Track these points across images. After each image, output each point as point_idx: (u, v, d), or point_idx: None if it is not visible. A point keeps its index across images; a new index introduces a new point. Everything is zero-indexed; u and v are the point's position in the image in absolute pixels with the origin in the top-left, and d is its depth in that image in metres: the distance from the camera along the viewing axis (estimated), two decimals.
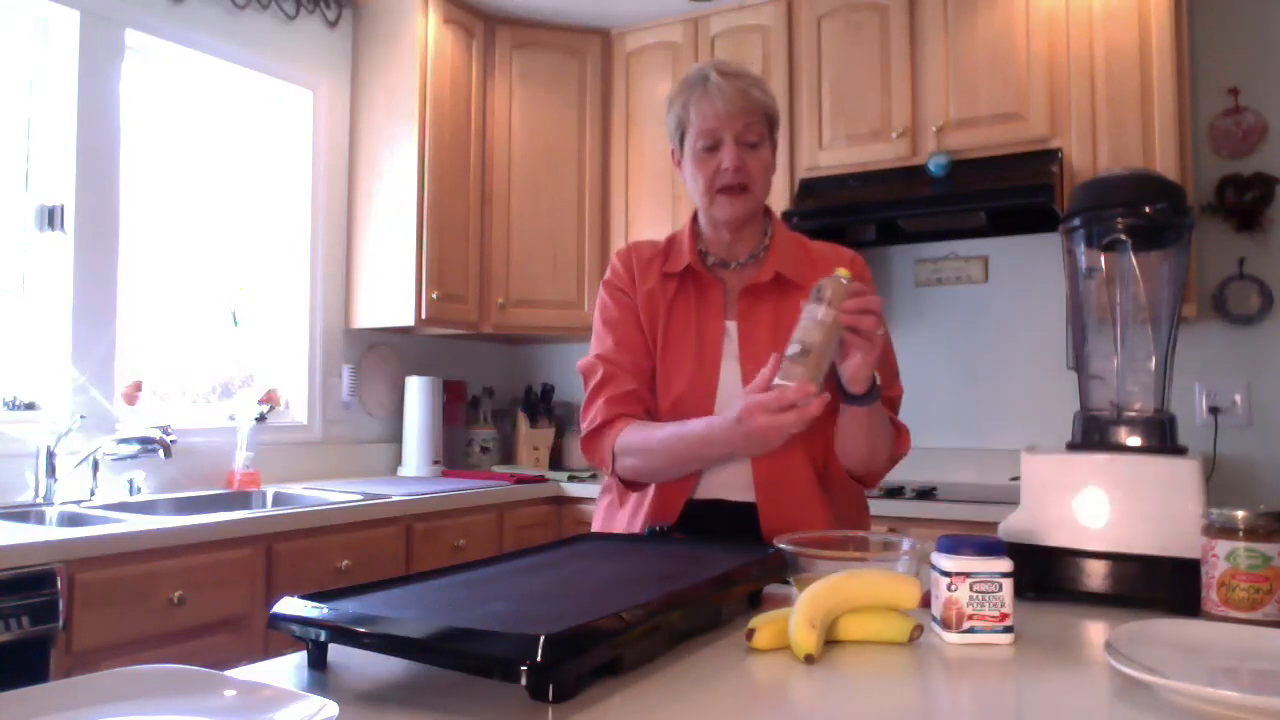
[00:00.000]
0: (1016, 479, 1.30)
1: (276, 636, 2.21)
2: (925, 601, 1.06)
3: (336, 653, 0.94)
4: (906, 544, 1.23)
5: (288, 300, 3.28)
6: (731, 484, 1.51)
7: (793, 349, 1.28)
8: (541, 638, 0.76)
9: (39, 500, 2.41)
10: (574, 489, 3.24)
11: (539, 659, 0.75)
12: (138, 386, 2.76)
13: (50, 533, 1.99)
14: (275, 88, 3.24)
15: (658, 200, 3.50)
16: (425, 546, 2.72)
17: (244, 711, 0.77)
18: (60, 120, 2.60)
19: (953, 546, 1.04)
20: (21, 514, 2.30)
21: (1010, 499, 1.45)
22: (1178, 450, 1.26)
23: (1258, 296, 2.87)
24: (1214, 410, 2.90)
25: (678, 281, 1.59)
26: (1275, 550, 1.04)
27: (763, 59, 3.30)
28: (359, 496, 2.69)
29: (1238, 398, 2.89)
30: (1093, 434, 1.30)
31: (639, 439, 1.49)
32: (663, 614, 0.93)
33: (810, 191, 3.15)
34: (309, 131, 3.32)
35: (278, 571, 2.31)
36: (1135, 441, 1.27)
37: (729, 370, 1.53)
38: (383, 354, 3.55)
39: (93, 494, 2.50)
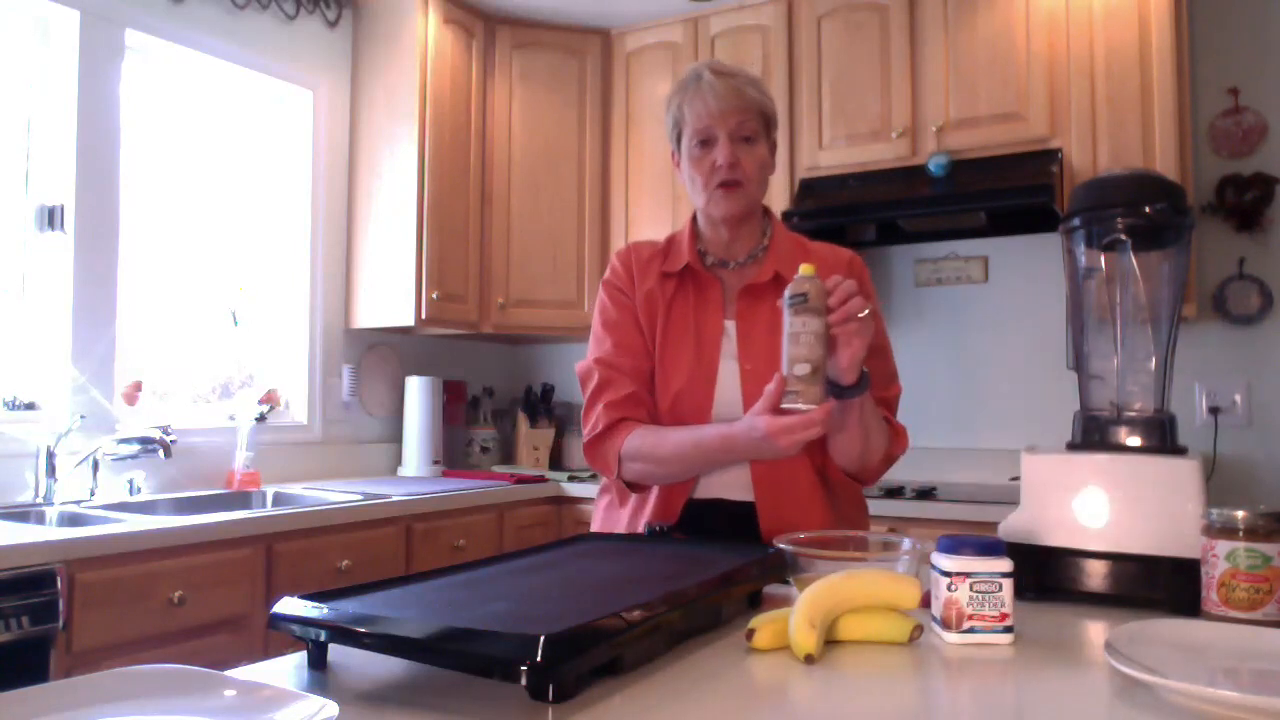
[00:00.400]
0: (1016, 479, 1.30)
1: (276, 636, 2.21)
2: (925, 601, 1.06)
3: (336, 653, 0.94)
4: (906, 544, 1.23)
5: (288, 300, 3.28)
6: (731, 484, 1.52)
7: (801, 369, 1.27)
8: (541, 638, 0.76)
9: (39, 500, 2.41)
10: (574, 489, 3.24)
11: (539, 659, 0.75)
12: (138, 386, 2.76)
13: (50, 533, 1.99)
14: (275, 88, 3.24)
15: (658, 200, 3.50)
16: (425, 546, 2.72)
17: (244, 711, 0.77)
18: (60, 120, 2.61)
19: (953, 546, 1.04)
20: (21, 514, 2.30)
21: (1010, 499, 1.45)
22: (1178, 450, 1.26)
23: (1258, 296, 2.87)
24: (1214, 410, 2.90)
25: (676, 281, 1.59)
26: (1275, 550, 1.04)
27: (763, 59, 3.30)
28: (359, 496, 2.69)
29: (1238, 398, 2.89)
30: (1093, 434, 1.30)
31: (648, 445, 1.48)
32: (663, 614, 0.93)
33: (810, 191, 3.15)
34: (309, 131, 3.32)
35: (278, 571, 2.31)
36: (1135, 441, 1.27)
37: (727, 369, 1.53)
38: (383, 354, 3.55)
39: (93, 494, 2.50)
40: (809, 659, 0.95)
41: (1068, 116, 2.83)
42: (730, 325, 1.55)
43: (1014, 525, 1.26)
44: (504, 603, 0.96)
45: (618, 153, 3.61)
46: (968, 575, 1.02)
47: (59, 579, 1.86)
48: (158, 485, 2.74)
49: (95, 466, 2.51)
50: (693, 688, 0.87)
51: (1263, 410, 2.87)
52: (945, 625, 1.03)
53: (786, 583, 1.22)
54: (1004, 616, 1.02)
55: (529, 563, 1.19)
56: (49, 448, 2.42)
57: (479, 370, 3.95)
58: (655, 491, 1.54)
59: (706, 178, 1.52)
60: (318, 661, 0.93)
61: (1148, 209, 1.26)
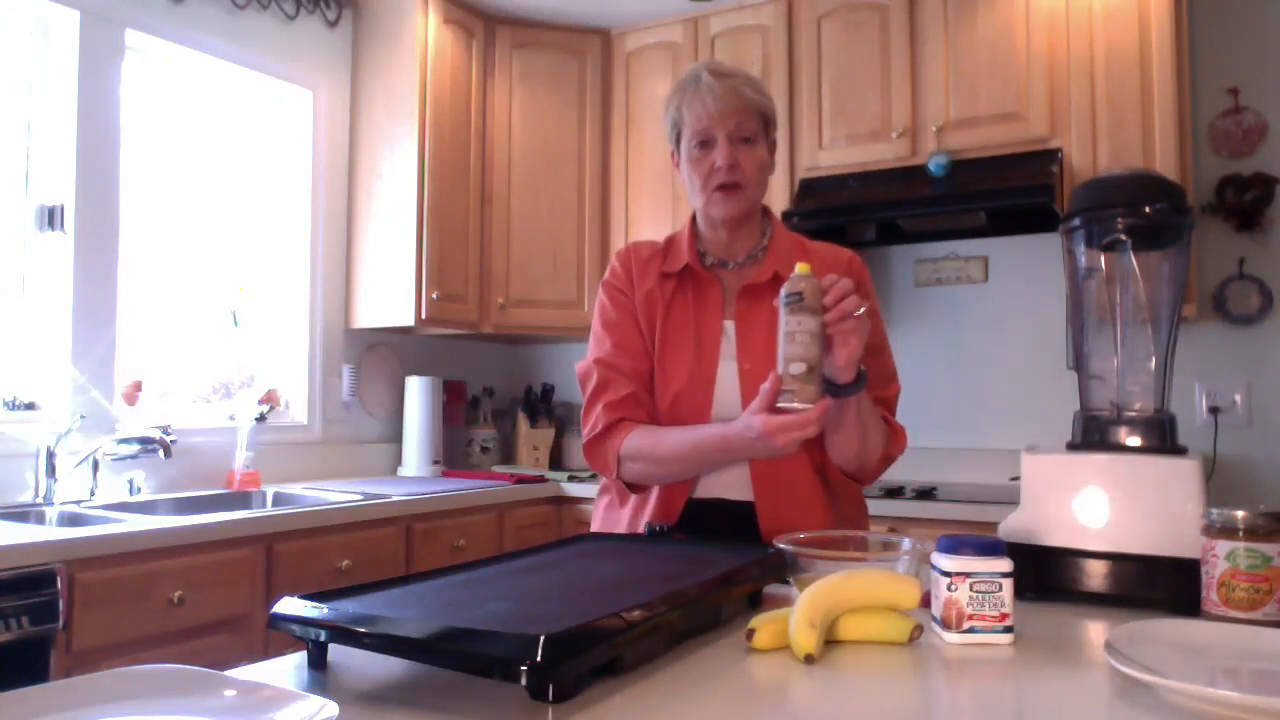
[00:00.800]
0: (1016, 479, 1.30)
1: (276, 636, 2.21)
2: (925, 601, 1.06)
3: (336, 653, 0.94)
4: (906, 544, 1.23)
5: (288, 300, 3.28)
6: (731, 483, 1.52)
7: (796, 368, 1.27)
8: (541, 638, 0.76)
9: (39, 500, 2.41)
10: (574, 489, 3.24)
11: (539, 659, 0.75)
12: (138, 386, 2.76)
13: (50, 533, 1.99)
14: (275, 88, 3.24)
15: (658, 200, 3.50)
16: (425, 546, 2.72)
17: (244, 711, 0.77)
18: (60, 120, 2.61)
19: (953, 546, 1.04)
20: (21, 514, 2.30)
21: (1010, 499, 1.45)
22: (1178, 450, 1.26)
23: (1258, 296, 2.87)
24: (1214, 410, 2.90)
25: (676, 281, 1.59)
26: (1275, 550, 1.04)
27: (763, 59, 3.30)
28: (359, 496, 2.69)
29: (1238, 398, 2.89)
30: (1093, 434, 1.30)
31: (647, 445, 1.48)
32: (663, 614, 0.93)
33: (810, 191, 3.15)
34: (309, 131, 3.32)
35: (278, 571, 2.31)
36: (1135, 441, 1.27)
37: (727, 369, 1.53)
38: (383, 354, 3.55)
39: (93, 494, 2.50)
40: (809, 659, 0.95)
41: (1068, 116, 2.83)
42: (729, 325, 1.55)
43: (1014, 525, 1.26)
44: (504, 603, 0.96)
45: (618, 153, 3.61)
46: (968, 575, 1.02)
47: (59, 579, 1.86)
48: (158, 485, 2.74)
49: (95, 466, 2.51)
50: (693, 688, 0.87)
51: (1263, 410, 2.87)
52: (945, 625, 1.03)
53: (786, 583, 1.22)
54: (1004, 616, 1.02)
55: (529, 563, 1.19)
56: (49, 448, 2.42)
57: (479, 370, 3.95)
58: (655, 491, 1.54)
59: (705, 179, 1.52)
60: (318, 661, 0.93)
61: (1148, 209, 1.26)
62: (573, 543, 1.36)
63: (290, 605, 0.92)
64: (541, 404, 3.84)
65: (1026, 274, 3.18)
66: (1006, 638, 1.02)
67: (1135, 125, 2.73)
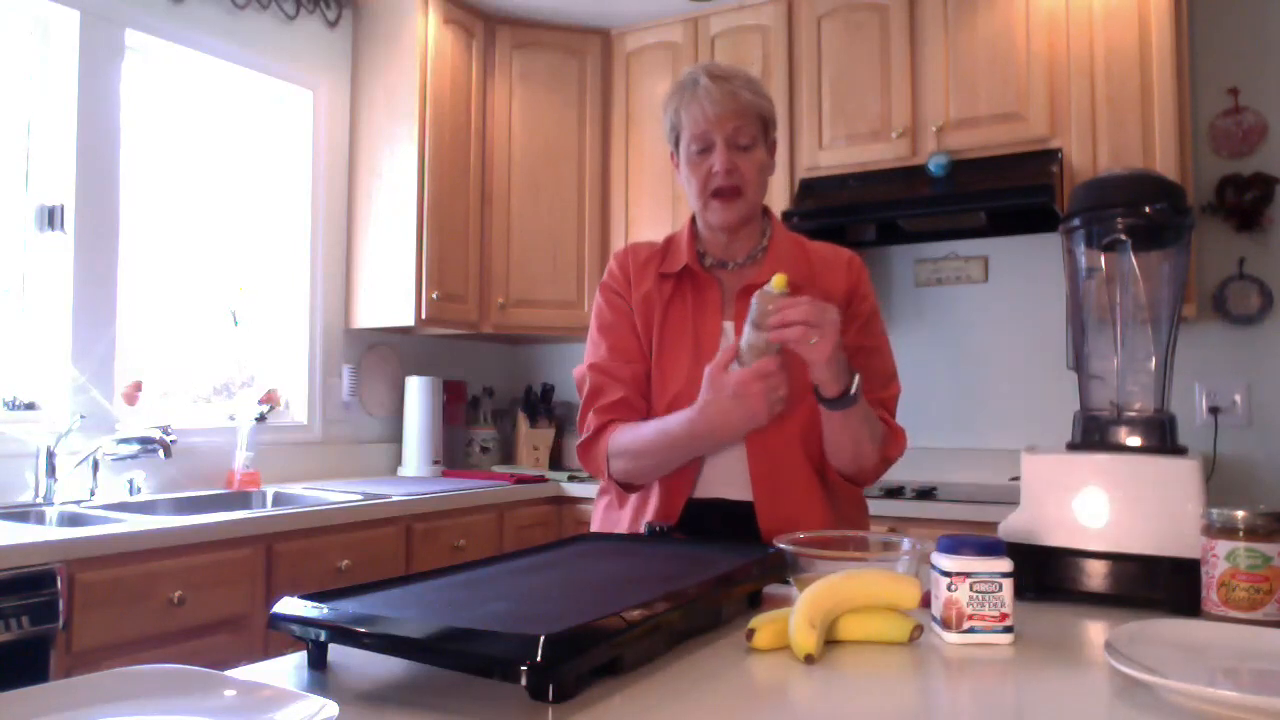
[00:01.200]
0: (1016, 479, 1.30)
1: (276, 636, 2.21)
2: (925, 601, 1.06)
3: (336, 653, 0.94)
4: (906, 544, 1.23)
5: (288, 300, 3.28)
6: (731, 482, 1.51)
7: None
8: (541, 638, 0.76)
9: (39, 500, 2.41)
10: (574, 489, 3.24)
11: (539, 659, 0.75)
12: (138, 386, 2.76)
13: (50, 533, 1.99)
14: (275, 88, 3.24)
15: (658, 200, 3.50)
16: (425, 546, 2.72)
17: (244, 711, 0.77)
18: (60, 120, 2.60)
19: (953, 546, 1.04)
20: (21, 514, 2.30)
21: (1010, 499, 1.45)
22: (1178, 450, 1.26)
23: (1258, 296, 2.87)
24: (1214, 410, 2.90)
25: (674, 282, 1.58)
26: (1275, 550, 1.04)
27: (763, 59, 3.30)
28: (359, 496, 2.69)
29: (1238, 398, 2.89)
30: (1093, 434, 1.30)
31: (626, 440, 1.49)
32: (663, 614, 0.92)
33: (810, 191, 3.15)
34: (309, 131, 3.32)
35: (278, 571, 2.31)
36: (1135, 441, 1.27)
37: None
38: (383, 354, 3.55)
39: (93, 494, 2.50)
40: (809, 659, 0.95)
41: (1068, 116, 2.83)
42: (729, 326, 1.55)
43: (1014, 525, 1.26)
44: (504, 603, 0.96)
45: (618, 153, 3.61)
46: (968, 575, 1.02)
47: (59, 579, 1.86)
48: (158, 485, 2.74)
49: (95, 466, 2.51)
50: (693, 688, 0.87)
51: (1263, 410, 2.87)
52: (945, 625, 1.03)
53: (786, 583, 1.22)
54: (1004, 616, 1.02)
55: (529, 563, 1.19)
56: (49, 448, 2.42)
57: (479, 370, 3.95)
58: (655, 492, 1.54)
59: (703, 184, 1.52)
60: (318, 661, 0.93)
61: (1148, 209, 1.26)
62: (573, 543, 1.36)
63: (290, 605, 0.92)
64: (541, 404, 3.84)
65: (1026, 274, 3.18)
66: (1006, 638, 1.02)
67: (1135, 125, 2.73)
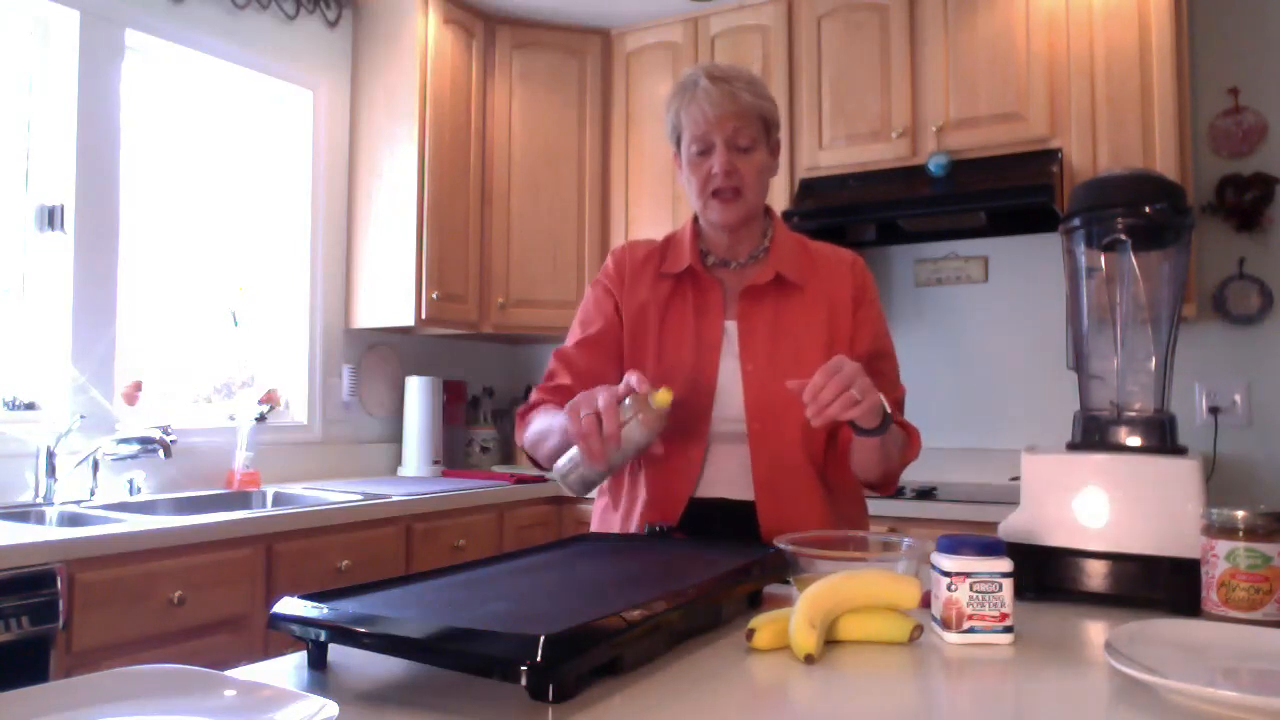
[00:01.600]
0: (1016, 479, 1.30)
1: (276, 636, 2.21)
2: (925, 601, 1.06)
3: (336, 653, 0.94)
4: (906, 544, 1.23)
5: (288, 300, 3.28)
6: (733, 482, 1.51)
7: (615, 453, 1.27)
8: (541, 638, 0.76)
9: (39, 500, 2.41)
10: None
11: (539, 659, 0.75)
12: (138, 386, 2.76)
13: (50, 533, 1.99)
14: (275, 88, 3.24)
15: (658, 200, 3.50)
16: (425, 546, 2.72)
17: (244, 711, 0.77)
18: (60, 120, 2.60)
19: (953, 546, 1.04)
20: (21, 514, 2.30)
21: (1010, 499, 1.45)
22: (1178, 450, 1.26)
23: (1258, 296, 2.87)
24: (1214, 410, 2.90)
25: (674, 282, 1.58)
26: (1275, 550, 1.04)
27: (763, 59, 3.30)
28: (359, 496, 2.69)
29: (1238, 398, 2.89)
30: (1093, 434, 1.30)
31: (539, 425, 1.51)
32: (663, 614, 0.92)
33: (810, 191, 3.15)
34: (309, 131, 3.32)
35: (278, 571, 2.31)
36: (1135, 441, 1.27)
37: (729, 371, 1.52)
38: (383, 354, 3.55)
39: (93, 494, 2.50)
40: (809, 659, 0.95)
41: (1068, 116, 2.83)
42: (731, 326, 1.54)
43: (1014, 525, 1.26)
44: (504, 603, 0.96)
45: (618, 153, 3.61)
46: (968, 575, 1.02)
47: (59, 579, 1.86)
48: (158, 485, 2.74)
49: (95, 466, 2.51)
50: (693, 688, 0.87)
51: (1263, 410, 2.87)
52: (945, 625, 1.03)
53: (786, 583, 1.22)
54: (1004, 616, 1.02)
55: (529, 563, 1.19)
56: (49, 448, 2.42)
57: (479, 370, 3.95)
58: (653, 492, 1.53)
59: (703, 185, 1.51)
60: (318, 661, 0.93)
61: (1148, 209, 1.26)
62: (573, 543, 1.36)
63: (290, 605, 0.92)
64: None
65: (1026, 274, 3.18)
66: (1006, 638, 1.02)
67: (1135, 125, 2.73)
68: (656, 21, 3.53)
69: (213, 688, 0.81)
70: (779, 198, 3.17)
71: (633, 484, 1.58)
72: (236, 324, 3.13)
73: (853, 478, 1.55)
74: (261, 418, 3.01)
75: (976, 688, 0.91)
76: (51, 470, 2.42)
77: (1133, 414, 1.29)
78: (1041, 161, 2.81)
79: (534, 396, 1.60)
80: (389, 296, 3.30)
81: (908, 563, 1.18)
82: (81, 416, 2.51)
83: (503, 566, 1.16)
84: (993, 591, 1.02)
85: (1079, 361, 1.37)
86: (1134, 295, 1.32)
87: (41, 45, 2.62)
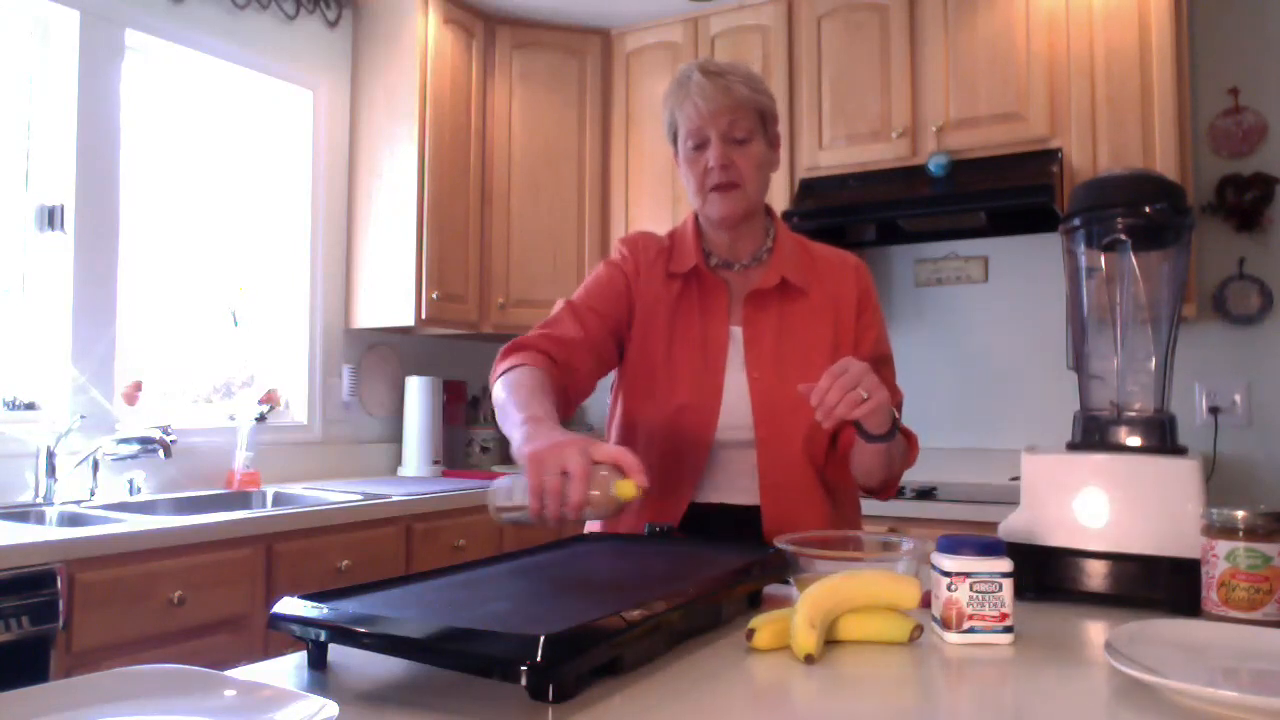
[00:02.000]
0: (1016, 479, 1.30)
1: (276, 636, 2.21)
2: (925, 601, 1.06)
3: (336, 653, 0.94)
4: (906, 544, 1.23)
5: (288, 300, 3.28)
6: (736, 488, 1.50)
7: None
8: (541, 638, 0.76)
9: (39, 500, 2.41)
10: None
11: (539, 659, 0.75)
12: (138, 386, 2.76)
13: (50, 533, 1.99)
14: (275, 88, 3.24)
15: (658, 200, 3.50)
16: (425, 546, 2.72)
17: (244, 711, 0.77)
18: (60, 120, 2.60)
19: (953, 546, 1.04)
20: (21, 514, 2.30)
21: (1010, 499, 1.45)
22: (1178, 450, 1.26)
23: (1258, 296, 2.87)
24: (1214, 410, 2.90)
25: (681, 283, 1.56)
26: (1275, 550, 1.04)
27: (763, 59, 3.30)
28: (359, 496, 2.69)
29: (1238, 398, 2.89)
30: (1093, 434, 1.30)
31: (509, 385, 1.37)
32: (663, 614, 0.92)
33: (810, 191, 3.15)
34: (309, 131, 3.32)
35: (278, 571, 2.31)
36: (1135, 441, 1.27)
37: (735, 379, 1.50)
38: (383, 354, 3.55)
39: (93, 494, 2.50)
40: (809, 659, 0.95)
41: (1068, 116, 2.83)
42: (737, 332, 1.53)
43: (1014, 525, 1.26)
44: (504, 603, 0.96)
45: (618, 153, 3.61)
46: (968, 575, 1.02)
47: (59, 579, 1.86)
48: (158, 485, 2.74)
49: (95, 466, 2.51)
50: (693, 688, 0.87)
51: (1263, 410, 2.87)
52: (945, 625, 1.03)
53: (786, 583, 1.22)
54: (1004, 616, 1.02)
55: (529, 563, 1.19)
56: (49, 448, 2.42)
57: (479, 370, 3.95)
58: (655, 495, 1.52)
59: (700, 180, 1.49)
60: (318, 661, 0.93)
61: (1148, 209, 1.26)
62: (573, 543, 1.36)
63: (290, 605, 0.92)
64: None
65: (1026, 274, 3.18)
66: (1006, 638, 1.02)
67: (1135, 125, 2.73)
68: (656, 21, 3.53)
69: (213, 688, 0.81)
70: (779, 198, 3.17)
71: None
72: (236, 324, 3.13)
73: (851, 481, 1.55)
74: (261, 418, 3.01)
75: (976, 688, 0.91)
76: (51, 470, 2.42)
77: (1133, 414, 1.29)
78: (1041, 161, 2.81)
79: (532, 334, 1.48)
80: (389, 296, 3.30)
81: (908, 563, 1.18)
82: (81, 416, 2.51)
83: (503, 566, 1.16)
84: (993, 591, 1.02)
85: (1079, 361, 1.37)
86: (1134, 295, 1.32)
87: (41, 45, 2.62)
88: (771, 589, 1.25)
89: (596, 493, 1.09)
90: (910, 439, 1.53)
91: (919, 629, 1.02)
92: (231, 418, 2.98)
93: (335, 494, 2.77)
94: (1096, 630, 1.11)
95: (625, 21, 3.58)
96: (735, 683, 0.90)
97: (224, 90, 3.11)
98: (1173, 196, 1.26)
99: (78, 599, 1.89)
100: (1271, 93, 2.90)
